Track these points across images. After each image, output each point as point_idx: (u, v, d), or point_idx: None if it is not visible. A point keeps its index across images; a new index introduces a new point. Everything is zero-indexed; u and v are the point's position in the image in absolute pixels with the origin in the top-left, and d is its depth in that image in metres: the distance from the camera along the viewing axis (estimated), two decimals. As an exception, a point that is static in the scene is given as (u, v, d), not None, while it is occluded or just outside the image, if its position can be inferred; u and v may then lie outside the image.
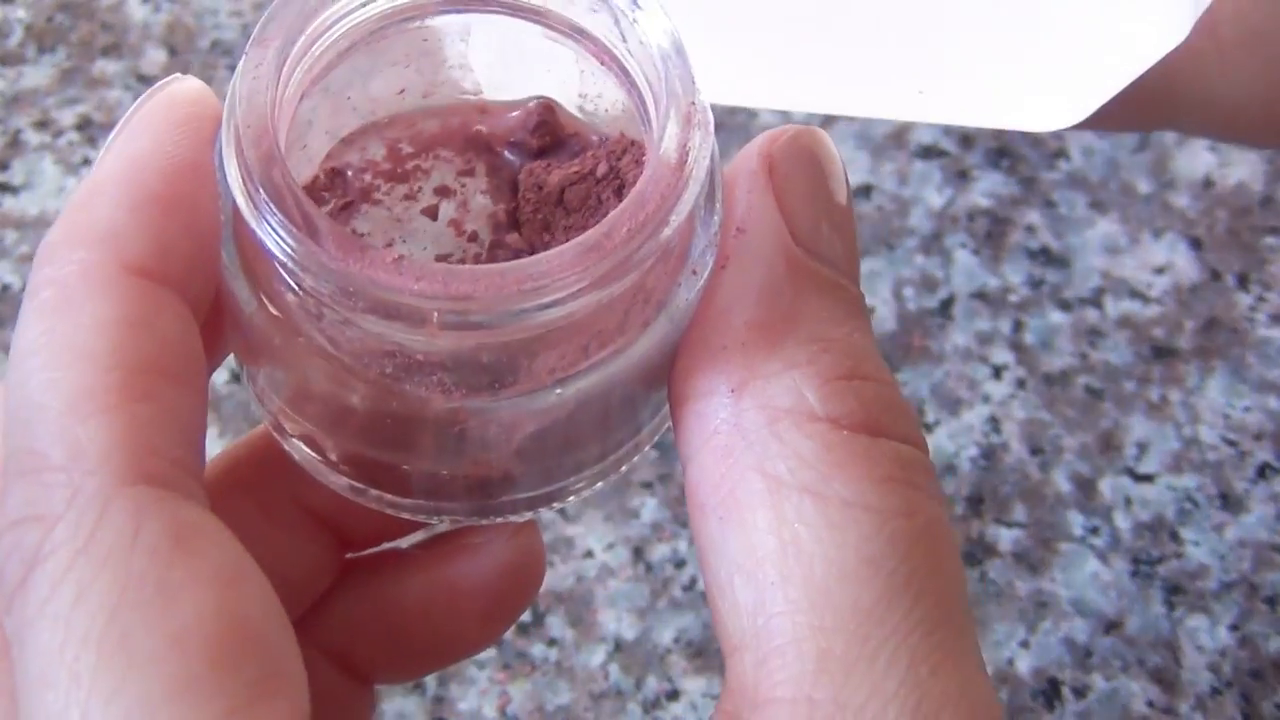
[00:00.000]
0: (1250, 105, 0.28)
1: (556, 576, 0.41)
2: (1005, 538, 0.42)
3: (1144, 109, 0.29)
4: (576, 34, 0.22)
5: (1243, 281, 0.48)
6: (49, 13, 0.51)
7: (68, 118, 0.49)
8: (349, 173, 0.22)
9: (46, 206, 0.46)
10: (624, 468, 0.23)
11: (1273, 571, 0.42)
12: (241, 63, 0.19)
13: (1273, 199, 0.50)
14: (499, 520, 0.23)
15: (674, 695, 0.39)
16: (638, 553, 0.41)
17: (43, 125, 0.48)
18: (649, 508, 0.42)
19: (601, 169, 0.21)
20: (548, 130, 0.22)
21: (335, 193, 0.22)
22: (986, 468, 0.44)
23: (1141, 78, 0.25)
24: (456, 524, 0.24)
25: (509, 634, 0.39)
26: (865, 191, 0.49)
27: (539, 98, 0.22)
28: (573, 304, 0.18)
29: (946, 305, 0.47)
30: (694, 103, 0.20)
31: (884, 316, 0.46)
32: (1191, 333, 0.47)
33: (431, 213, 0.22)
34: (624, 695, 0.39)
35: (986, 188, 0.49)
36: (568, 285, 0.18)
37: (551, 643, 0.40)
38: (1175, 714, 0.40)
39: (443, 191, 0.22)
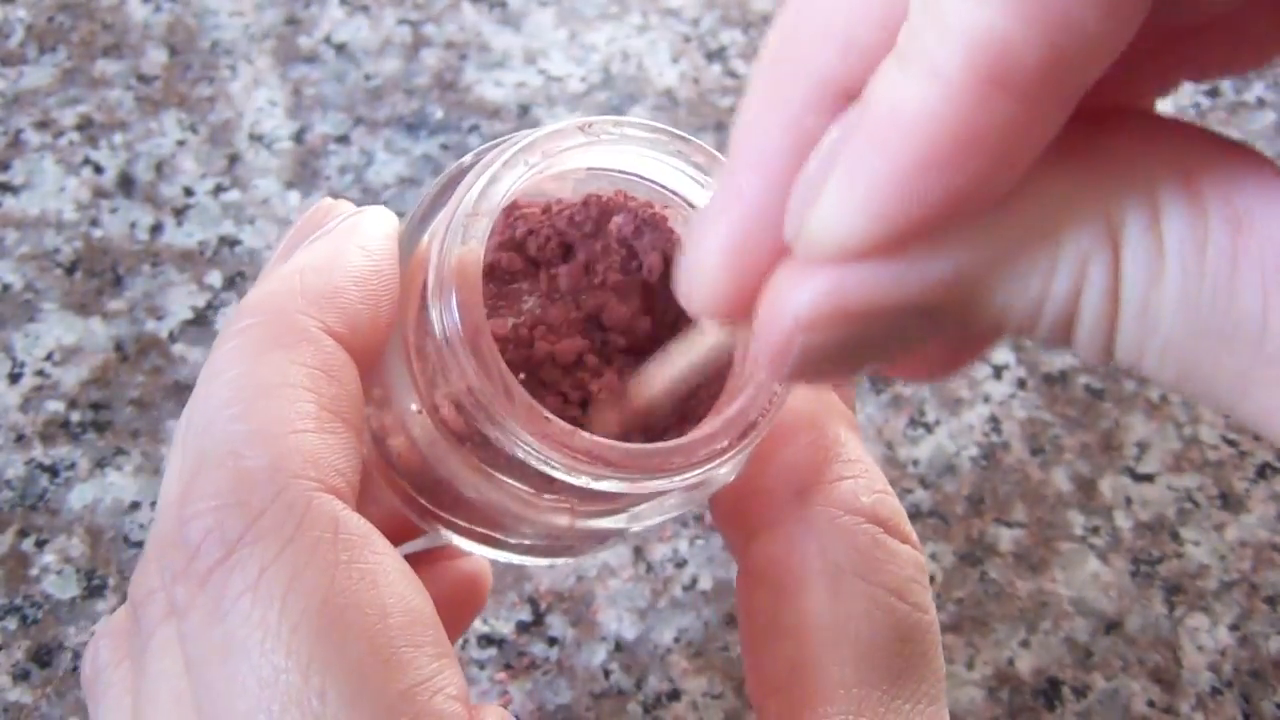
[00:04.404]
0: None
1: (558, 576, 0.41)
2: (1005, 537, 0.42)
3: None
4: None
5: (1243, 281, 0.48)
6: (50, 13, 0.51)
7: (68, 118, 0.49)
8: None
9: (47, 206, 0.46)
10: None
11: (1273, 571, 0.42)
12: (454, 231, 0.23)
13: (1272, 199, 0.50)
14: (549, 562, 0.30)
15: (675, 695, 0.39)
16: (638, 552, 0.41)
17: (43, 125, 0.48)
18: (650, 507, 0.42)
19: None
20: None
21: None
22: (987, 467, 0.44)
23: None
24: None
25: (510, 633, 0.39)
26: (865, 191, 0.49)
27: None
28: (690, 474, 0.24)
29: (947, 305, 0.47)
30: None
31: (884, 316, 0.46)
32: (1191, 333, 0.47)
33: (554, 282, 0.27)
34: (625, 695, 0.39)
35: (987, 188, 0.49)
36: (691, 467, 0.24)
37: (552, 642, 0.40)
38: (1175, 714, 0.40)
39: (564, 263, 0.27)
